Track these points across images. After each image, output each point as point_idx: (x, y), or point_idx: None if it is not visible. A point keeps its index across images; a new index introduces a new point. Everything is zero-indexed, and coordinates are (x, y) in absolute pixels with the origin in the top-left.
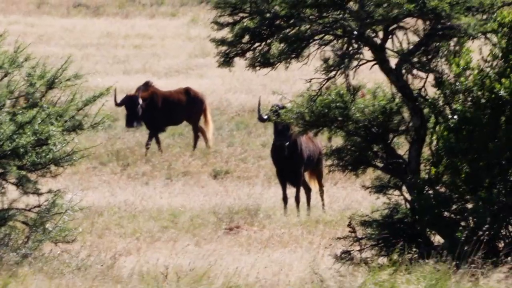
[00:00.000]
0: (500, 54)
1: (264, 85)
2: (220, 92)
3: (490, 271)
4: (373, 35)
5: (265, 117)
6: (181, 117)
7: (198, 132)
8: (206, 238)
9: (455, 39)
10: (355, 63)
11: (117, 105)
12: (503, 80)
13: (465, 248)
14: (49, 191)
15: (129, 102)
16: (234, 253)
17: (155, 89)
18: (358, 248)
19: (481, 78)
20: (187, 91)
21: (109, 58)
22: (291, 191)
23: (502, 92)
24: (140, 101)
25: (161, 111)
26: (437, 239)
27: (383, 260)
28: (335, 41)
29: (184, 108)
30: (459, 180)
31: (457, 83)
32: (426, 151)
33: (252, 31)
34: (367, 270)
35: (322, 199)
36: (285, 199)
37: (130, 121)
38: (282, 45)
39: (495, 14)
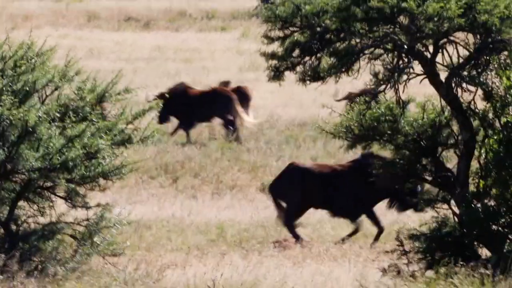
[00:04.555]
0: None
1: (314, 99)
2: (270, 106)
3: None
4: (423, 49)
5: None
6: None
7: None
8: (254, 251)
9: (505, 52)
10: (405, 77)
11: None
12: None
13: None
14: (98, 205)
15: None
16: (281, 267)
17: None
18: (405, 261)
19: None
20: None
21: (159, 72)
22: None
23: None
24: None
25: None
26: (485, 252)
27: (430, 273)
28: (385, 55)
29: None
30: (507, 193)
31: (508, 96)
32: (474, 165)
33: (303, 45)
34: (414, 283)
35: None
36: None
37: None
38: (332, 59)
39: None
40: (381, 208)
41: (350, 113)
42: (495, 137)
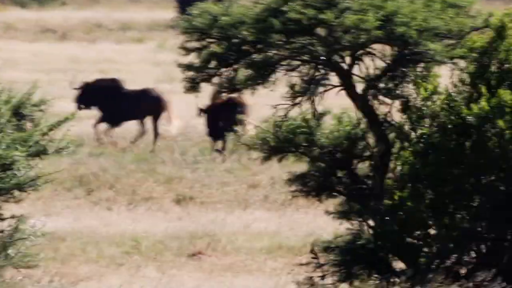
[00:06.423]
0: (469, 80)
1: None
2: (185, 118)
3: None
4: (340, 60)
5: None
6: None
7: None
8: (168, 263)
9: (422, 64)
10: (321, 88)
11: None
12: (472, 105)
13: (428, 274)
14: (12, 216)
15: None
16: (196, 279)
17: None
18: (320, 274)
19: (448, 103)
20: None
21: (76, 83)
22: (254, 217)
23: (469, 118)
24: None
25: None
26: (400, 265)
27: (344, 286)
28: (302, 67)
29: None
30: (422, 206)
31: (424, 108)
32: (389, 177)
33: (219, 56)
34: None
35: None
36: None
37: None
38: (249, 70)
39: (464, 40)
40: (296, 221)
41: (266, 125)
42: (411, 149)
